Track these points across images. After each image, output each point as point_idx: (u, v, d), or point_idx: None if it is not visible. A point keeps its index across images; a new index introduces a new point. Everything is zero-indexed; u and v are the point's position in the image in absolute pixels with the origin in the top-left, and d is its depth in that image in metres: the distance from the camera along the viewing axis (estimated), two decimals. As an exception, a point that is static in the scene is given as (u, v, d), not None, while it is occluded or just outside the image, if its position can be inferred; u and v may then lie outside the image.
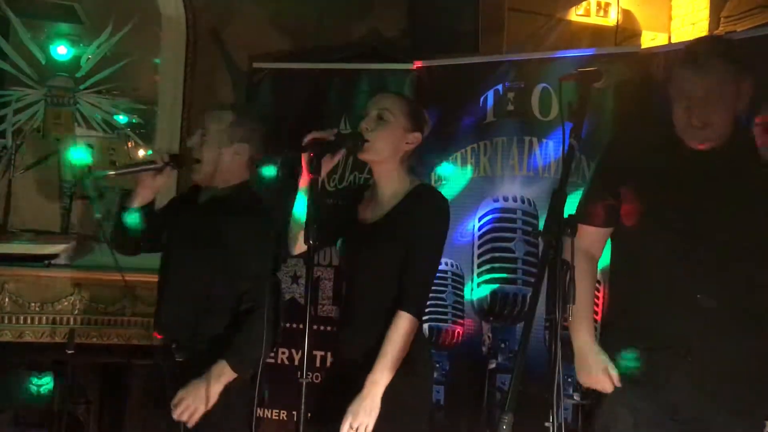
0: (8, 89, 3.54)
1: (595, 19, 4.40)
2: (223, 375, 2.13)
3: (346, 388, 1.98)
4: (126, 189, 2.38)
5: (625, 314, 1.96)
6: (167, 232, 2.37)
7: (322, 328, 3.16)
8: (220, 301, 2.22)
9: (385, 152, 2.03)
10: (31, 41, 3.45)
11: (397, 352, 1.93)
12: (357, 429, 1.86)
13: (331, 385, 2.11)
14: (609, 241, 2.06)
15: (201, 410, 2.12)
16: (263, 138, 2.38)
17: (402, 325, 1.94)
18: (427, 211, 2.03)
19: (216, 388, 2.12)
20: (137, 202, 2.28)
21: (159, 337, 2.29)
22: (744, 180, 1.85)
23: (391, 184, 2.07)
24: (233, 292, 2.21)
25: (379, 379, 1.90)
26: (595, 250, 2.04)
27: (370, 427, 1.87)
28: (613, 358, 1.93)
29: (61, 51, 3.52)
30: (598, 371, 1.92)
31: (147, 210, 2.29)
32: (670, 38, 4.52)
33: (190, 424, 2.13)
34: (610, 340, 1.99)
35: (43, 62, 3.47)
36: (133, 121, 3.55)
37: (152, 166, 2.24)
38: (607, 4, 4.44)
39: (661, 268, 1.88)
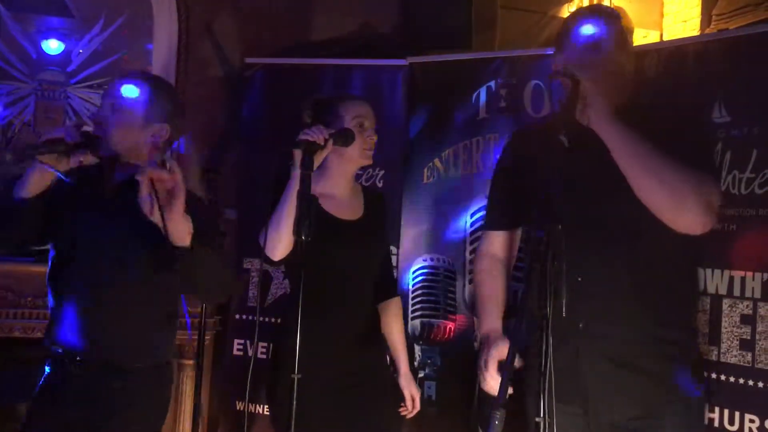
0: (-1, 83, 3.53)
1: (587, 16, 4.41)
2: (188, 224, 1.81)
3: (322, 381, 2.04)
4: (14, 174, 1.93)
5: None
6: (76, 221, 1.94)
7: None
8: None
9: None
10: (21, 35, 3.44)
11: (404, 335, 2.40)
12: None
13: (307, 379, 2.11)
14: None
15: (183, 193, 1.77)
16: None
17: (399, 307, 2.39)
18: (387, 210, 2.40)
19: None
20: (35, 190, 1.83)
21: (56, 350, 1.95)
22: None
23: (349, 185, 2.27)
24: None
25: (405, 365, 2.38)
26: (501, 252, 2.08)
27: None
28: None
29: (52, 45, 3.50)
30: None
31: (42, 198, 1.85)
32: (662, 36, 4.54)
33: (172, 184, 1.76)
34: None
35: (34, 56, 3.46)
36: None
37: (62, 147, 1.81)
38: (600, 1, 4.45)
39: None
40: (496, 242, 2.09)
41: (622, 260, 1.77)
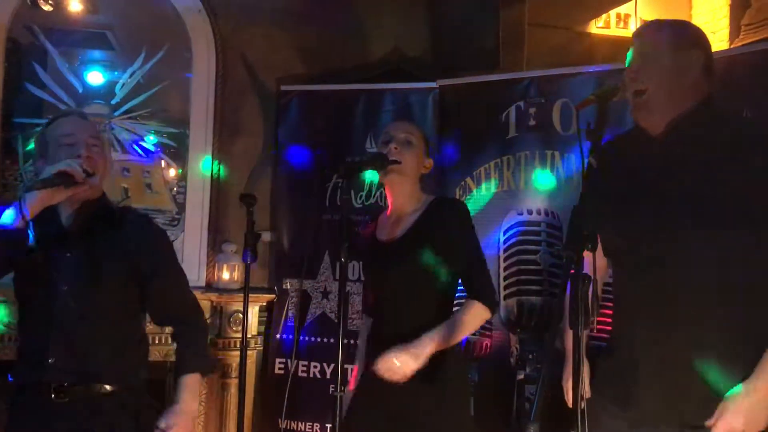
0: (47, 117, 3.66)
1: (615, 31, 4.45)
2: (197, 387, 2.05)
3: (375, 400, 2.08)
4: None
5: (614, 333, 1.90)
6: (44, 257, 1.90)
7: (352, 341, 3.24)
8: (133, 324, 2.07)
9: (413, 171, 2.21)
10: (68, 70, 3.59)
11: (459, 331, 2.05)
12: (398, 365, 1.93)
13: (359, 397, 2.17)
14: None
15: None
16: None
17: (474, 310, 2.07)
18: (454, 214, 2.18)
19: (197, 402, 2.12)
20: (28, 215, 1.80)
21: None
22: (703, 169, 1.71)
23: (411, 202, 2.22)
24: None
25: (437, 339, 2.00)
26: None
27: (410, 370, 1.94)
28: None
29: (95, 78, 3.64)
30: None
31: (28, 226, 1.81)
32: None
33: None
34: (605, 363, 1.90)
35: (80, 90, 3.60)
36: (164, 142, 3.65)
37: (70, 180, 1.83)
38: (627, 16, 4.48)
39: (627, 281, 1.82)
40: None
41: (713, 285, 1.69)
